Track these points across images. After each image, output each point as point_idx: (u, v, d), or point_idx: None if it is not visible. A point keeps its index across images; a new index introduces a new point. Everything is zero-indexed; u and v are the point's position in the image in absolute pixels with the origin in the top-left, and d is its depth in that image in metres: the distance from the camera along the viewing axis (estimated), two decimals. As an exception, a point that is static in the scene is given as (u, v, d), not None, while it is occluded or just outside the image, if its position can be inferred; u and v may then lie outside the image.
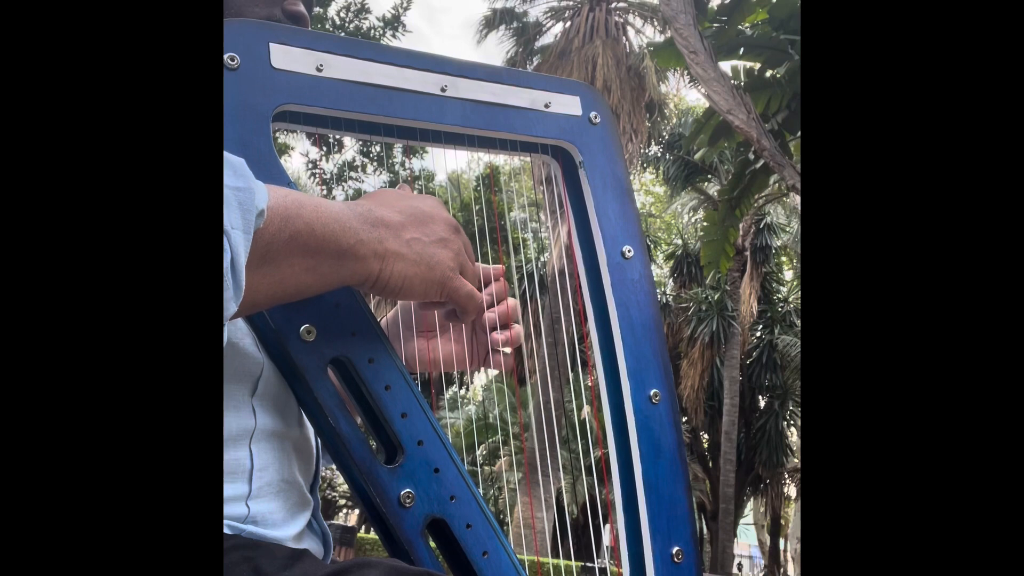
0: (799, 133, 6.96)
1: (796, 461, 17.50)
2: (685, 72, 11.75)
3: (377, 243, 0.64)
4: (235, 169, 0.54)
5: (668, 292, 18.58)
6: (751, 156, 7.62)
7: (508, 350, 0.82)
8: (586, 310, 0.83)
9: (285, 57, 0.70)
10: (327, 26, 8.82)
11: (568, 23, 15.39)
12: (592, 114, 0.85)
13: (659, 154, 17.30)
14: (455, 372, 0.85)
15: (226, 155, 0.55)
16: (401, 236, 0.66)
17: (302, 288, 0.61)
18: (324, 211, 0.61)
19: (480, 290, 0.75)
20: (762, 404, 18.36)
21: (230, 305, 0.51)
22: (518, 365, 0.91)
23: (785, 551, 21.59)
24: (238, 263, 0.51)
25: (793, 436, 17.84)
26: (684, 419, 15.81)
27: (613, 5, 15.24)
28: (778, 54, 6.99)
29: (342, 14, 9.11)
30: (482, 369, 0.85)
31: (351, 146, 9.29)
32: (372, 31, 9.11)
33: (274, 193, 0.57)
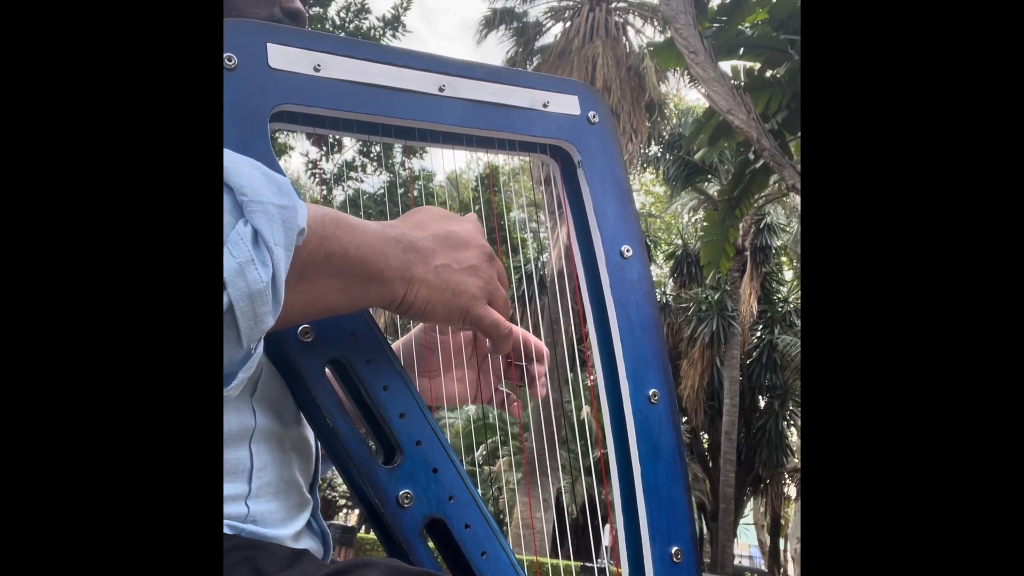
0: (799, 133, 6.96)
1: (796, 461, 17.50)
2: (685, 72, 11.75)
3: (405, 268, 0.65)
4: (280, 187, 0.55)
5: (668, 292, 18.58)
6: (751, 156, 7.62)
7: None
8: (585, 310, 0.82)
9: (282, 57, 0.70)
10: (327, 26, 8.82)
11: (568, 23, 15.40)
12: (591, 113, 0.85)
13: (659, 154, 17.30)
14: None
15: (272, 172, 0.56)
16: (430, 262, 0.67)
17: (333, 307, 0.62)
18: (359, 233, 0.62)
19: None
20: (762, 404, 18.35)
21: (268, 319, 0.53)
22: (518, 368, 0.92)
23: (785, 551, 21.59)
24: (279, 279, 0.53)
25: (793, 436, 17.84)
26: (684, 419, 15.81)
27: (613, 5, 15.25)
28: (778, 54, 6.99)
29: (342, 14, 9.12)
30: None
31: (351, 146, 9.30)
32: (372, 31, 9.11)
33: (313, 212, 0.58)
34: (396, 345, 0.86)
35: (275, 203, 0.54)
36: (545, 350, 0.84)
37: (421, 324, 0.85)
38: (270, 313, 0.53)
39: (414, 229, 0.68)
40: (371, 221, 0.65)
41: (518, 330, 0.82)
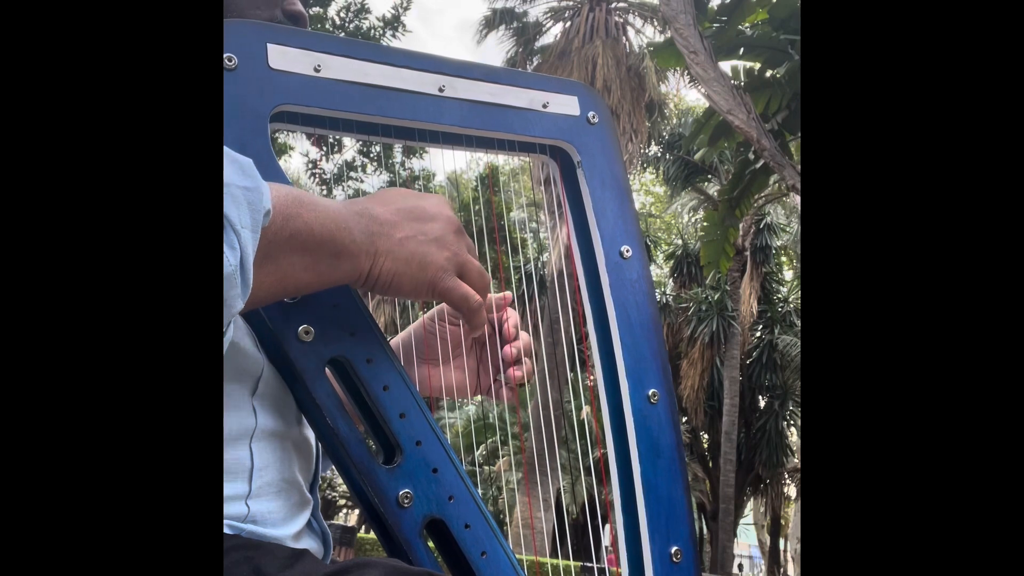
0: (799, 133, 6.97)
1: (796, 461, 17.50)
2: (685, 72, 11.75)
3: (369, 242, 0.65)
4: (243, 169, 0.55)
5: (668, 292, 18.57)
6: (751, 156, 7.63)
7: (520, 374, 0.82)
8: (585, 310, 0.83)
9: (283, 58, 0.70)
10: (327, 26, 8.82)
11: (568, 23, 15.39)
12: (590, 114, 0.85)
13: (659, 154, 17.30)
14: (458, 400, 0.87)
15: (234, 154, 0.56)
16: (393, 235, 0.67)
17: (301, 285, 0.62)
18: (322, 210, 0.61)
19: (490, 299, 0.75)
20: (762, 404, 18.35)
21: (237, 302, 0.52)
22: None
23: (785, 551, 21.59)
24: (247, 261, 0.52)
25: (793, 436, 17.84)
26: (684, 419, 15.81)
27: (613, 5, 15.24)
28: (778, 54, 7.00)
29: (342, 14, 9.12)
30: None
31: (351, 146, 9.30)
32: (372, 31, 9.11)
33: (275, 191, 0.58)
34: (398, 338, 0.86)
35: (239, 185, 0.53)
36: (524, 336, 0.83)
37: (425, 315, 0.85)
38: (239, 296, 0.52)
39: (378, 205, 0.68)
40: (333, 200, 0.65)
41: (511, 315, 0.82)
